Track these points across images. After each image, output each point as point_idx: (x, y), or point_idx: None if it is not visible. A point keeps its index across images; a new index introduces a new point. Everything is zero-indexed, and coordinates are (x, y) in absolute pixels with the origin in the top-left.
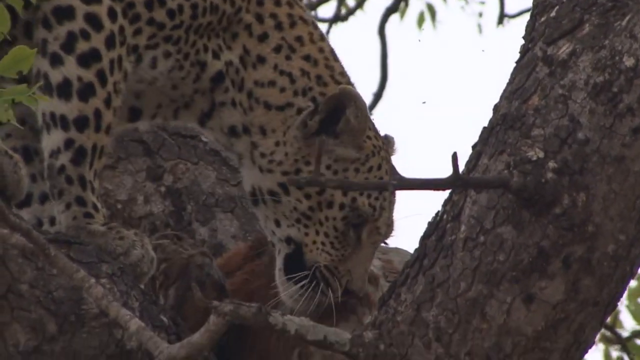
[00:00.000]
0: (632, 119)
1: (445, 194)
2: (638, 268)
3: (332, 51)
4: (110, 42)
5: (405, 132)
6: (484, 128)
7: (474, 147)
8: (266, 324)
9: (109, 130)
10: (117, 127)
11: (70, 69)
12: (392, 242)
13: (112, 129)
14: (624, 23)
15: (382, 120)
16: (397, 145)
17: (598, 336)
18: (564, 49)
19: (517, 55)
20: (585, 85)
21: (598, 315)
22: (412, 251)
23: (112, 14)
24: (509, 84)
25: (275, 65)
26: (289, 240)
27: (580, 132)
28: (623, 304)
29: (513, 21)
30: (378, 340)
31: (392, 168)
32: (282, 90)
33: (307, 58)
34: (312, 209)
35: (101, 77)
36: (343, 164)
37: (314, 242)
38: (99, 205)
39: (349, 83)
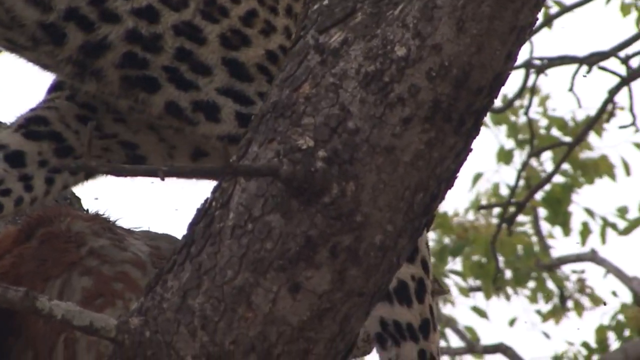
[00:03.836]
0: (403, 109)
1: None
2: (404, 259)
3: None
4: None
5: None
6: (255, 116)
7: (244, 134)
8: (33, 308)
9: None
10: None
11: None
12: (163, 229)
13: None
14: (396, 12)
15: None
16: None
17: None
18: (336, 37)
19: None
20: (356, 74)
21: (364, 306)
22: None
23: None
24: (280, 71)
25: None
26: None
27: (350, 122)
28: None
29: None
30: (144, 327)
31: None
32: None
33: None
34: None
35: None
36: None
37: None
38: None
39: None
